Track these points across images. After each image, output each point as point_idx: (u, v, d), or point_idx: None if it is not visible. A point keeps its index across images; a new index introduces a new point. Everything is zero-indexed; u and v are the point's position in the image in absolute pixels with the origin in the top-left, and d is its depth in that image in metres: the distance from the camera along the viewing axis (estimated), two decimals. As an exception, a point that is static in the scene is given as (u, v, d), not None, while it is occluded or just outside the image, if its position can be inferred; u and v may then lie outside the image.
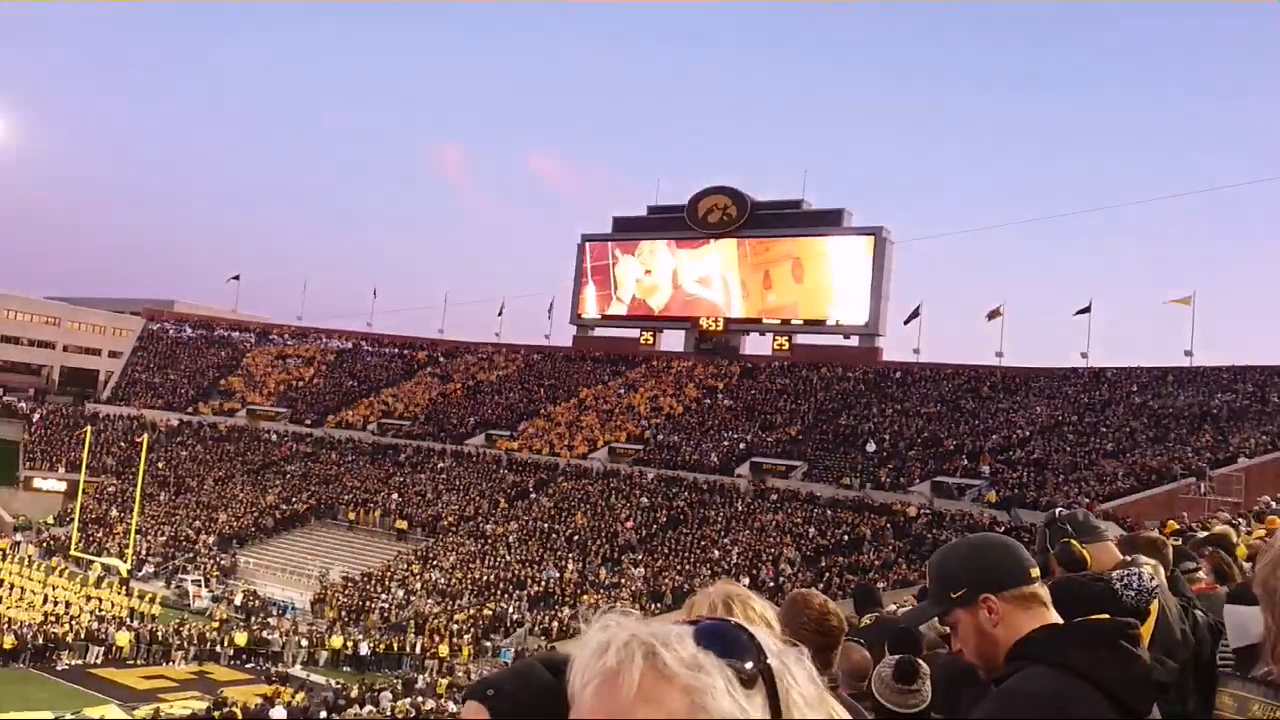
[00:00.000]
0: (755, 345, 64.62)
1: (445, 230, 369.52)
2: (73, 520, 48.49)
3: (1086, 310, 55.77)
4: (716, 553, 42.97)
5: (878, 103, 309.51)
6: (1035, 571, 2.23)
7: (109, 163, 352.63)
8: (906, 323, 60.53)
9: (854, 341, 60.37)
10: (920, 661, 3.77)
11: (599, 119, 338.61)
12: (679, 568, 42.07)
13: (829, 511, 45.12)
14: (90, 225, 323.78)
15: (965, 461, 47.06)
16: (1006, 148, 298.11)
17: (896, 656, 3.81)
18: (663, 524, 46.73)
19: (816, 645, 2.88)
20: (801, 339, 61.86)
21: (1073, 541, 3.67)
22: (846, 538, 42.57)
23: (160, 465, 57.28)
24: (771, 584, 37.19)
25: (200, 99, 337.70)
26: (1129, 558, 3.65)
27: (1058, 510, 4.01)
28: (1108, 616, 2.20)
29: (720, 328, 63.34)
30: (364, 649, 36.43)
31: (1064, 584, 2.70)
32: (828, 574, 38.90)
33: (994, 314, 57.46)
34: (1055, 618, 2.18)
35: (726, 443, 53.83)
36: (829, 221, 61.68)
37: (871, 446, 50.13)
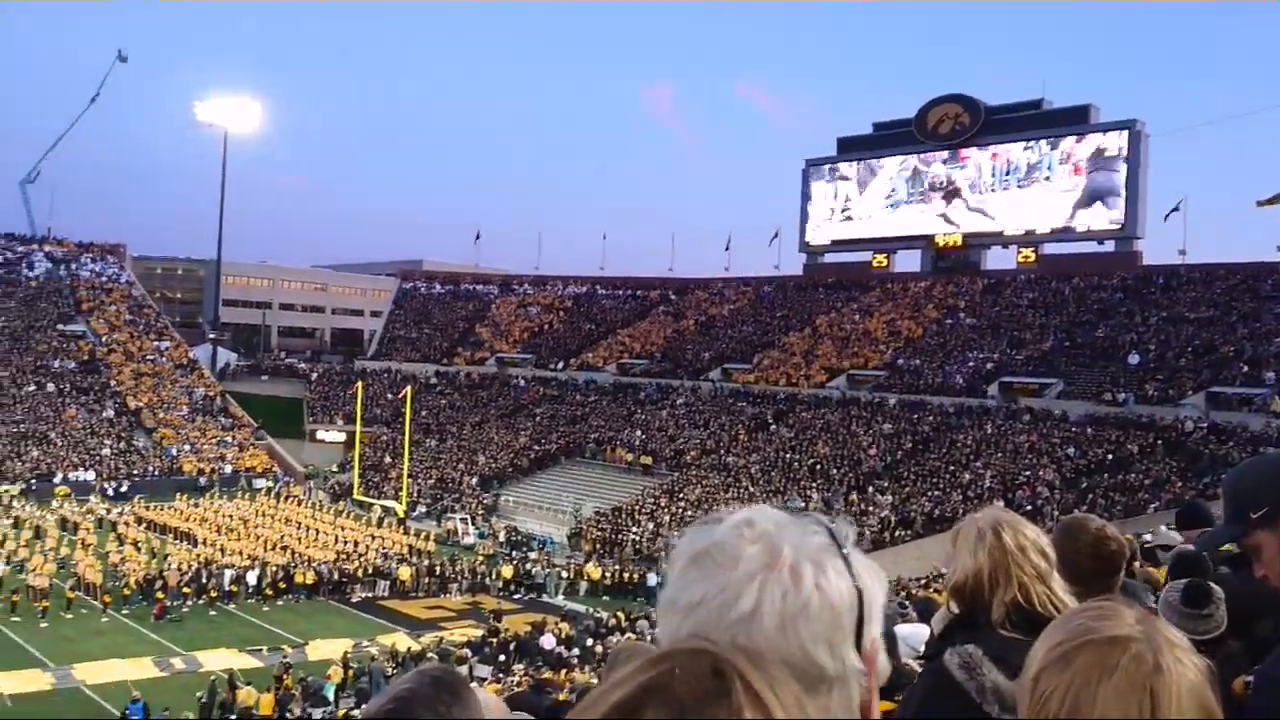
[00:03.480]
0: (998, 259, 61.38)
1: (666, 170, 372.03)
2: (353, 467, 53.13)
3: (1388, 190, 49.00)
4: (967, 476, 41.55)
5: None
6: None
7: (358, 139, 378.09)
8: (1166, 218, 55.57)
9: (1109, 247, 56.12)
10: (1212, 585, 3.40)
11: (814, 40, 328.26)
12: (928, 494, 41.02)
13: (1089, 430, 42.51)
14: (344, 197, 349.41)
15: (1245, 369, 42.91)
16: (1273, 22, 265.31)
17: (1184, 580, 3.45)
18: (908, 450, 45.61)
19: (1095, 571, 2.63)
20: (1049, 249, 58.15)
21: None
22: (1110, 457, 40.00)
23: (423, 414, 61.50)
24: (1029, 507, 35.55)
25: (432, 74, 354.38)
26: None
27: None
28: None
29: (959, 243, 60.49)
30: (651, 579, 37.51)
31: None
32: (1091, 495, 36.75)
33: (1271, 201, 51.55)
34: None
35: (972, 363, 51.65)
36: (1074, 120, 57.28)
37: (1135, 358, 46.66)
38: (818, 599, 0.97)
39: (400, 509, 47.28)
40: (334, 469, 58.65)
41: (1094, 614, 1.24)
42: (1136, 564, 4.75)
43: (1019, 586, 2.00)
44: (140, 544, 38.43)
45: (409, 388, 54.81)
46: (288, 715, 21.88)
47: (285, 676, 23.86)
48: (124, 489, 49.89)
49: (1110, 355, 48.22)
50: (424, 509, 50.19)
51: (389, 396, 64.25)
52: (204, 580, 33.74)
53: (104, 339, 64.95)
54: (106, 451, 53.88)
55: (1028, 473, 40.53)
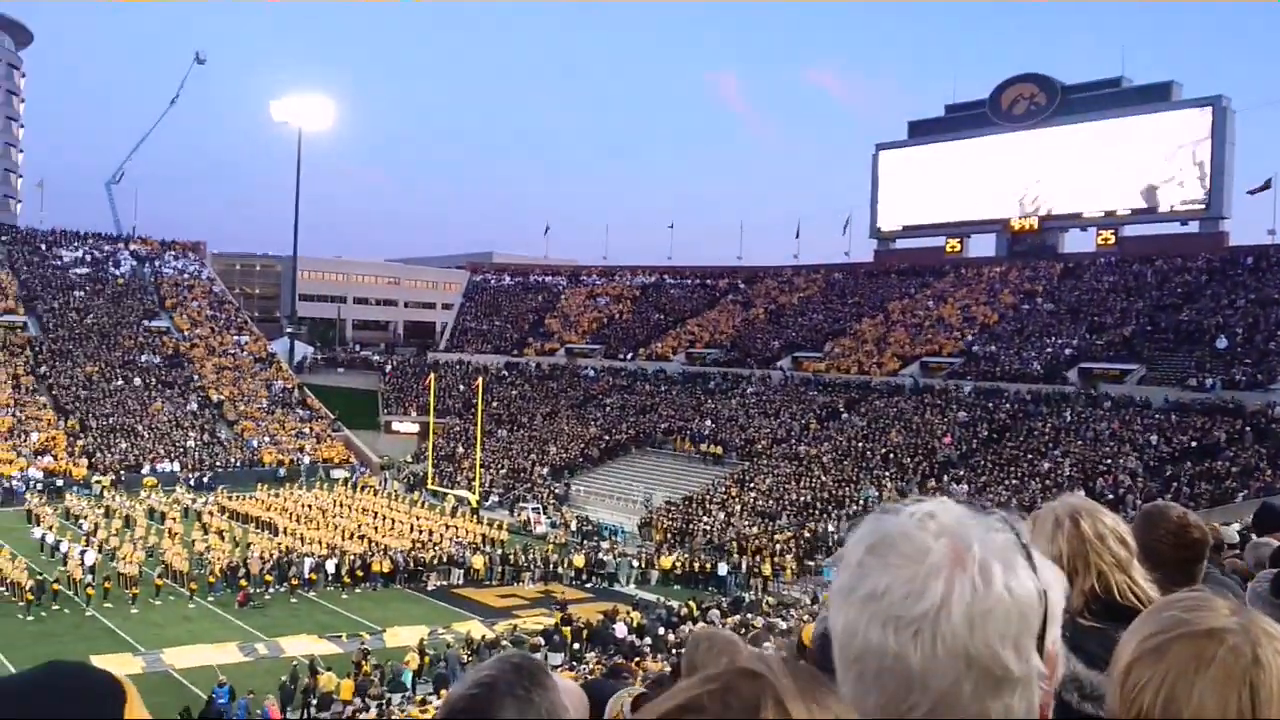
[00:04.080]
0: (1076, 242, 60.02)
1: (733, 158, 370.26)
2: (427, 458, 53.93)
3: None
4: (1046, 465, 40.69)
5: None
6: None
7: (429, 134, 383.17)
8: (1251, 193, 53.58)
9: (1193, 227, 54.43)
10: (1304, 576, 3.29)
11: (883, 21, 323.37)
12: (1005, 483, 40.28)
13: (1173, 416, 41.31)
14: (415, 191, 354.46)
15: (1340, 352, 41.31)
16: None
17: (1274, 570, 3.35)
18: (984, 438, 44.82)
19: (1177, 560, 2.57)
20: (1130, 230, 56.60)
21: None
22: (1195, 444, 38.82)
23: (494, 405, 62.21)
24: (1111, 496, 34.71)
25: (501, 67, 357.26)
26: None
27: None
28: None
29: (1035, 226, 59.17)
30: (722, 569, 37.54)
31: None
32: (1175, 484, 35.72)
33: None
34: None
35: (1050, 349, 50.51)
36: (1155, 97, 55.61)
37: (1222, 342, 45.21)
38: (1008, 599, 0.95)
39: (474, 499, 47.88)
40: (408, 459, 59.60)
41: (1187, 605, 1.21)
42: (1221, 554, 4.62)
43: (1098, 575, 1.98)
44: (224, 533, 39.51)
45: (481, 379, 55.41)
46: (367, 700, 22.36)
47: (364, 662, 24.39)
48: (207, 479, 51.37)
49: (1195, 339, 46.78)
50: (497, 499, 50.77)
51: (461, 388, 65.10)
52: (285, 568, 34.59)
53: (187, 334, 66.86)
54: (191, 443, 55.52)
55: (1109, 461, 39.56)
